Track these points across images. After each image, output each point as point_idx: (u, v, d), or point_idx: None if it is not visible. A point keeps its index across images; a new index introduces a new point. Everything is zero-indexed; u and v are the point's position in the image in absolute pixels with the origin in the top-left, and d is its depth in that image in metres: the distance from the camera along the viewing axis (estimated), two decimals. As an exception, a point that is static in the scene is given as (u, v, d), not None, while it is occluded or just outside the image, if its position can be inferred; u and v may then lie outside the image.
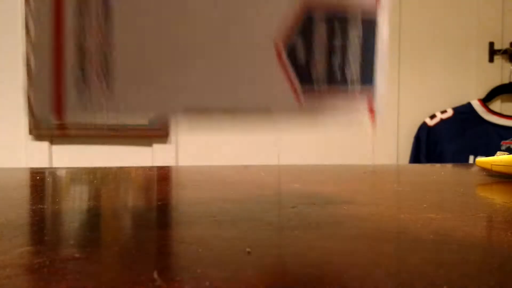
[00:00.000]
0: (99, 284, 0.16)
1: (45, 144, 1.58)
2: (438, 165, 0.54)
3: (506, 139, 1.47)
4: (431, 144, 1.52)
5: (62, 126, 1.55)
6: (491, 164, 0.44)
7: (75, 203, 0.31)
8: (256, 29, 0.24)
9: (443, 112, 1.53)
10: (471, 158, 1.48)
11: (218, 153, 1.57)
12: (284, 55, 0.22)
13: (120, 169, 0.49)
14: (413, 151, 1.55)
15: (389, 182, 0.40)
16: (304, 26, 0.22)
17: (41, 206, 0.29)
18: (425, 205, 0.30)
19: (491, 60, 1.56)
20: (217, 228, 0.23)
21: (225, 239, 0.21)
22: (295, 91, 0.22)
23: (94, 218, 0.26)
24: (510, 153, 0.42)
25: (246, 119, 0.23)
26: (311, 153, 1.58)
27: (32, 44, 0.20)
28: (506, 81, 1.56)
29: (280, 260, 0.19)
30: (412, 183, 0.39)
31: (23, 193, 0.35)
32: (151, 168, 0.51)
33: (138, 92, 0.21)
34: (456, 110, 1.53)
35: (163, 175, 0.45)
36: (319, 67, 0.22)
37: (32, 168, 0.51)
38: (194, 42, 0.22)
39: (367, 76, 0.23)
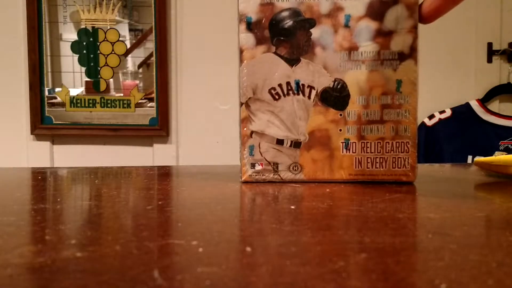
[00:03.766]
0: (100, 283, 0.16)
1: (46, 144, 1.58)
2: (436, 165, 0.55)
3: (504, 139, 1.47)
4: (429, 144, 1.52)
5: (63, 126, 1.55)
6: (490, 164, 0.44)
7: (76, 202, 0.31)
8: None
9: (441, 112, 1.53)
10: (469, 158, 1.48)
11: (218, 152, 1.57)
12: None
13: (121, 169, 0.50)
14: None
15: (388, 181, 0.40)
16: None
17: (42, 206, 0.29)
18: (424, 205, 0.30)
19: (489, 60, 1.56)
20: (218, 227, 0.24)
21: (226, 238, 0.21)
22: None
23: (95, 217, 0.26)
24: (508, 153, 0.42)
25: None
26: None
27: None
28: (504, 81, 1.56)
29: (280, 259, 0.19)
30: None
31: (25, 192, 0.35)
32: (151, 168, 0.51)
33: None
34: (454, 110, 1.53)
35: (163, 175, 0.45)
36: None
37: (33, 168, 0.51)
38: None
39: None
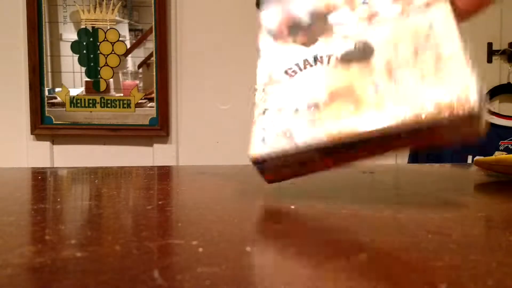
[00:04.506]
0: (100, 283, 0.16)
1: (46, 144, 1.58)
2: (436, 165, 0.55)
3: (504, 139, 1.47)
4: (430, 144, 1.52)
5: (63, 126, 1.55)
6: (490, 164, 0.44)
7: (76, 202, 0.31)
8: None
9: (442, 112, 1.53)
10: (469, 158, 1.48)
11: (218, 152, 1.57)
12: None
13: (121, 168, 0.49)
14: (412, 151, 1.55)
15: (388, 181, 0.40)
16: None
17: (42, 206, 0.29)
18: (424, 205, 0.30)
19: (489, 60, 1.56)
20: (217, 227, 0.24)
21: (226, 238, 0.21)
22: None
23: (95, 217, 0.26)
24: (508, 153, 0.42)
25: None
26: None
27: None
28: (504, 81, 1.56)
29: (280, 259, 0.19)
30: (411, 183, 0.39)
31: (25, 192, 0.35)
32: (151, 168, 0.51)
33: None
34: (455, 110, 1.52)
35: (163, 175, 0.45)
36: None
37: (33, 168, 0.51)
38: None
39: None
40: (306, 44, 0.35)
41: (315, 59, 0.34)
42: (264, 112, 0.33)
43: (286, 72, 0.34)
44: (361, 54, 0.32)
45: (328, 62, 0.33)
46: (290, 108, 0.32)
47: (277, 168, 0.31)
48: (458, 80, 0.29)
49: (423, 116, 0.28)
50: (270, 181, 0.33)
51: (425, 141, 0.29)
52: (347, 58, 0.33)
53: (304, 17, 0.36)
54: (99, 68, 1.54)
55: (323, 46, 0.34)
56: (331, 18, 0.35)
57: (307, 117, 0.31)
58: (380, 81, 0.31)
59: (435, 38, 0.31)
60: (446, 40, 0.31)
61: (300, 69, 0.34)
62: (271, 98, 0.34)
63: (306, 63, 0.34)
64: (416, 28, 0.32)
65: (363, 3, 0.35)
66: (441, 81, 0.29)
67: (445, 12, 0.33)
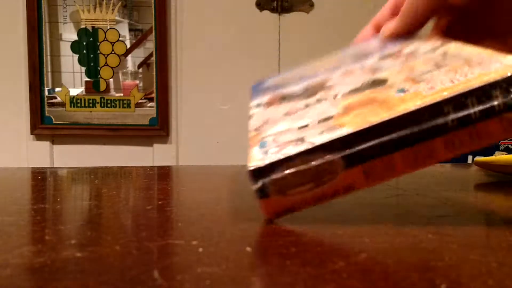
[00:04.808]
0: (100, 283, 0.16)
1: (46, 144, 1.58)
2: (436, 165, 0.55)
3: (504, 139, 1.47)
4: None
5: (63, 126, 1.55)
6: (490, 164, 0.44)
7: (76, 202, 0.31)
8: None
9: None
10: (469, 158, 1.48)
11: (218, 152, 1.57)
12: None
13: (121, 169, 0.49)
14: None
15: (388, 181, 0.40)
16: None
17: (42, 206, 0.29)
18: (424, 205, 0.30)
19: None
20: (217, 227, 0.24)
21: (225, 238, 0.21)
22: None
23: (95, 217, 0.26)
24: (508, 153, 0.42)
25: None
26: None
27: None
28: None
29: (280, 259, 0.19)
30: (411, 183, 0.39)
31: (25, 192, 0.35)
32: (151, 168, 0.51)
33: None
34: (455, 110, 1.52)
35: (163, 175, 0.45)
36: None
37: (33, 168, 0.51)
38: None
39: None
40: (305, 99, 0.31)
41: (318, 101, 0.29)
42: (263, 139, 0.27)
43: (286, 113, 0.29)
44: (372, 85, 0.28)
45: (334, 98, 0.29)
46: (295, 126, 0.27)
47: (285, 186, 0.24)
48: (498, 58, 0.24)
49: (484, 78, 0.23)
50: (273, 213, 0.25)
51: (474, 127, 0.23)
52: (357, 91, 0.28)
53: (297, 91, 0.34)
54: (99, 68, 1.54)
55: (325, 93, 0.30)
56: (329, 83, 0.32)
57: (322, 127, 0.25)
58: (406, 86, 0.26)
59: (452, 52, 0.28)
60: (466, 50, 0.28)
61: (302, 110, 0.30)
62: (269, 129, 0.28)
63: (309, 105, 0.29)
64: (428, 57, 0.29)
65: (361, 68, 0.32)
66: (481, 64, 0.25)
67: (455, 44, 0.29)
